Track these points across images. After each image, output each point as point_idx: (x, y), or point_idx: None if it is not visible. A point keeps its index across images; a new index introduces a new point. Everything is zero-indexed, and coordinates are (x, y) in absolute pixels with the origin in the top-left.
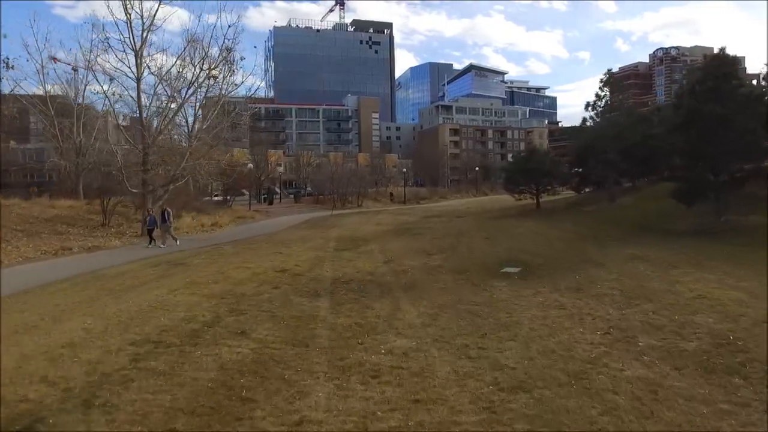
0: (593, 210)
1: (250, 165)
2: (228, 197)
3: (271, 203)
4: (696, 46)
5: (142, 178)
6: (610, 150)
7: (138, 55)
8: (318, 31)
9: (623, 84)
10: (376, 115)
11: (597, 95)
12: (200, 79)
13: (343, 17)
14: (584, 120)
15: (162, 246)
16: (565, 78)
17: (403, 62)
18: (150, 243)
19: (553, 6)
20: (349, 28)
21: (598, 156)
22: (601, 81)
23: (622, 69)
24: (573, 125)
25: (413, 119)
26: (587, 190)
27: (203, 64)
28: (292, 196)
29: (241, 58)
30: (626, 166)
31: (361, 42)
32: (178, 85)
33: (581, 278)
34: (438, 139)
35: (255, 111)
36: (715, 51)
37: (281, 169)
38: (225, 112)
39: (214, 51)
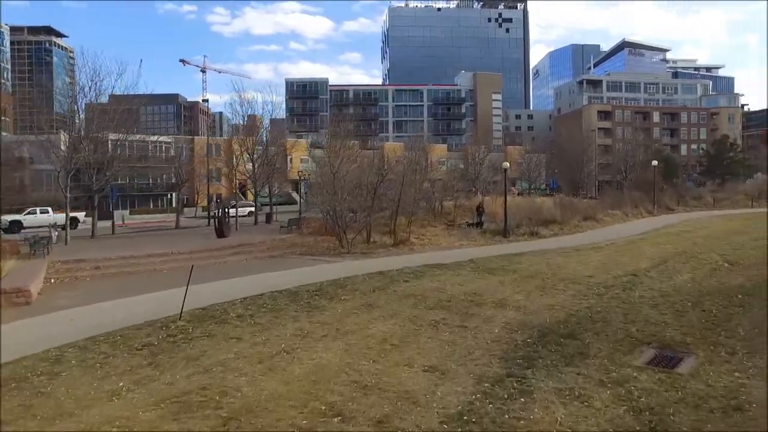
0: None
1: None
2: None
3: (220, 233)
4: None
5: None
6: None
7: None
8: (439, 9)
9: None
10: (498, 96)
11: None
12: None
13: None
14: None
15: None
16: (730, 65)
17: (540, 56)
18: None
19: None
20: (476, 5)
21: None
22: None
23: None
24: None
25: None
26: None
27: None
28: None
29: None
30: None
31: (490, 20)
32: None
33: None
34: (581, 125)
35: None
36: None
37: (304, 166)
38: None
39: None
